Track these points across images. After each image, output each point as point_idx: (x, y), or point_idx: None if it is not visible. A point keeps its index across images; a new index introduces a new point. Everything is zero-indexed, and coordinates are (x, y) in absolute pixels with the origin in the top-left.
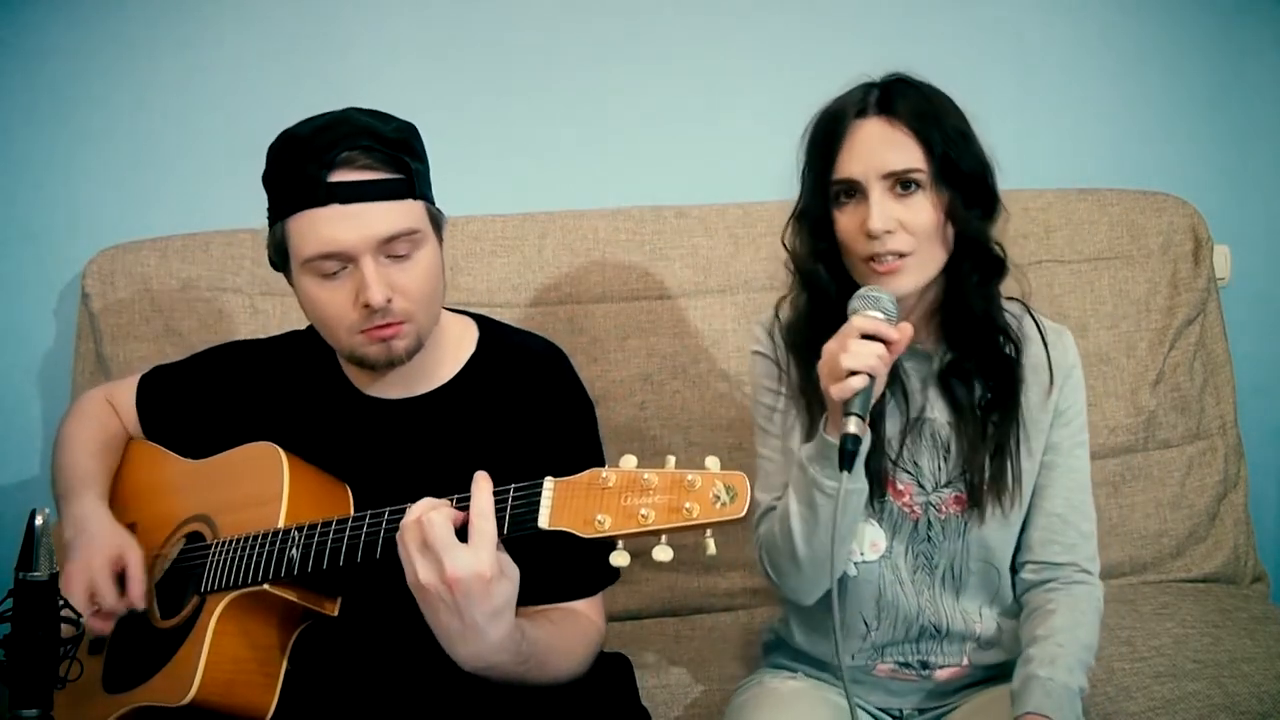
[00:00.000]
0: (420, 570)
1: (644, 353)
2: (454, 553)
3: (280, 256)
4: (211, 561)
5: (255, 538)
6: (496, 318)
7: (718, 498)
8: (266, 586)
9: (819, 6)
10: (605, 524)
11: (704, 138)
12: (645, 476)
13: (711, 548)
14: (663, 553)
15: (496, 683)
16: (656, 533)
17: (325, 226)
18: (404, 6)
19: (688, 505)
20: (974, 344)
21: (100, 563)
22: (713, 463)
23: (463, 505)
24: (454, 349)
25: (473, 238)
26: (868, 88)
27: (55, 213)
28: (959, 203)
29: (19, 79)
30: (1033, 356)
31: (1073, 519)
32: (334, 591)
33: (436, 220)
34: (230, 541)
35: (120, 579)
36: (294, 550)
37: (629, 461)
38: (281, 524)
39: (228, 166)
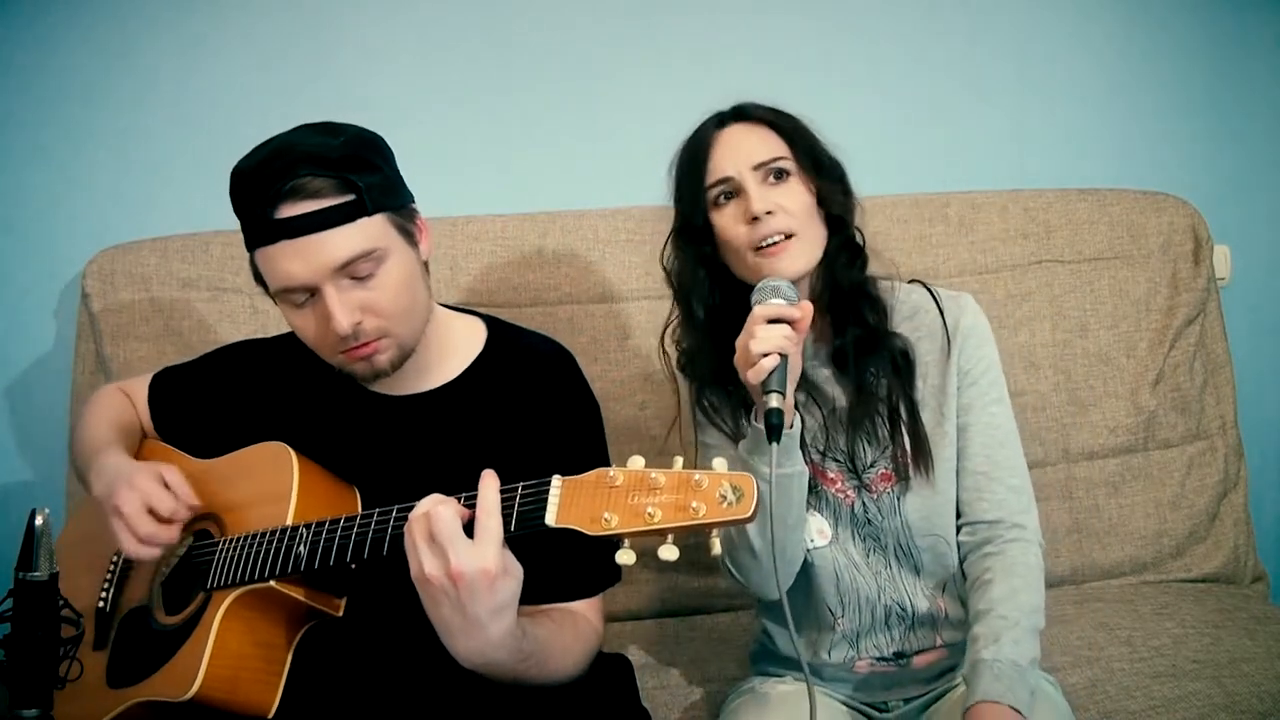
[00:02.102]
0: (426, 563)
1: (644, 353)
2: (460, 547)
3: (262, 283)
4: (218, 558)
5: (263, 535)
6: (506, 320)
7: (724, 498)
8: (273, 583)
9: (819, 6)
10: (612, 522)
11: None
12: (653, 476)
13: (716, 547)
14: (669, 552)
15: (497, 684)
16: (663, 532)
17: (280, 262)
18: (403, 7)
19: (694, 505)
20: (859, 322)
21: (144, 479)
22: (720, 464)
23: (470, 503)
24: (461, 347)
25: (473, 238)
26: (718, 112)
27: (55, 213)
28: (825, 188)
29: (19, 79)
30: (927, 325)
31: (997, 474)
32: (340, 591)
33: (404, 228)
34: (238, 538)
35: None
36: (301, 547)
37: (637, 461)
38: (290, 521)
39: (228, 167)
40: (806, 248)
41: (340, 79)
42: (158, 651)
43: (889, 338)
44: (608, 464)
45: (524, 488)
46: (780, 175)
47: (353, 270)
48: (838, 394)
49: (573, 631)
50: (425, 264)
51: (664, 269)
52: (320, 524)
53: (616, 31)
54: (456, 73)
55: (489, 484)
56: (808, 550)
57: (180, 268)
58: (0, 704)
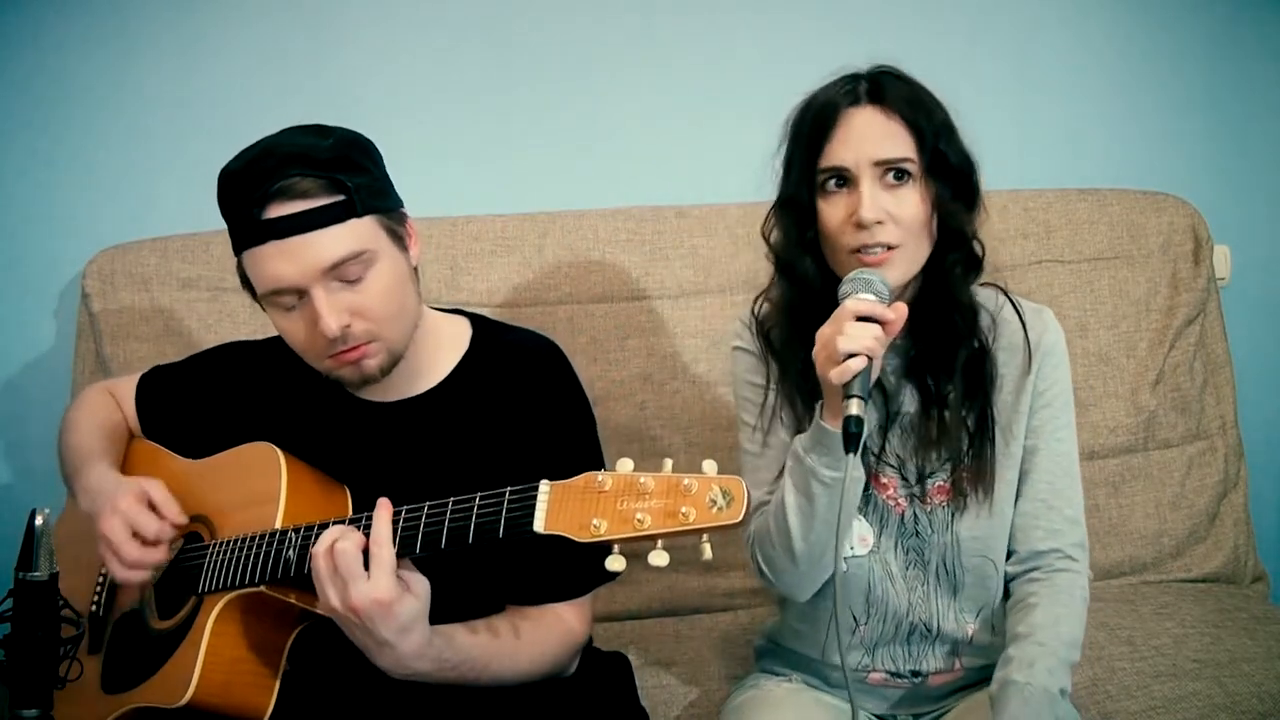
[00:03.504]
0: (331, 596)
1: (644, 353)
2: (356, 583)
3: (249, 287)
4: (209, 562)
5: (252, 539)
6: (496, 318)
7: (714, 502)
8: (264, 588)
9: (819, 6)
10: (601, 528)
11: (704, 138)
12: (641, 480)
13: (708, 553)
14: (659, 558)
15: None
16: (652, 538)
17: (268, 264)
18: (403, 7)
19: (684, 510)
20: (951, 336)
21: (128, 502)
22: (710, 466)
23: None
24: (447, 349)
25: (473, 238)
26: (855, 78)
27: (55, 213)
28: (947, 196)
29: (19, 79)
30: (1009, 338)
31: (1056, 503)
32: None
33: (394, 230)
34: (227, 542)
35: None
36: (290, 552)
37: (625, 465)
38: (279, 525)
39: None
40: (908, 261)
41: (340, 79)
42: (151, 657)
43: (978, 352)
44: (600, 459)
45: (511, 493)
46: (901, 176)
47: (342, 272)
48: (905, 397)
49: (538, 635)
50: (415, 269)
51: (764, 237)
52: (309, 528)
53: (616, 31)
54: (456, 73)
55: (381, 515)
56: (847, 557)
57: (180, 268)
58: (0, 704)
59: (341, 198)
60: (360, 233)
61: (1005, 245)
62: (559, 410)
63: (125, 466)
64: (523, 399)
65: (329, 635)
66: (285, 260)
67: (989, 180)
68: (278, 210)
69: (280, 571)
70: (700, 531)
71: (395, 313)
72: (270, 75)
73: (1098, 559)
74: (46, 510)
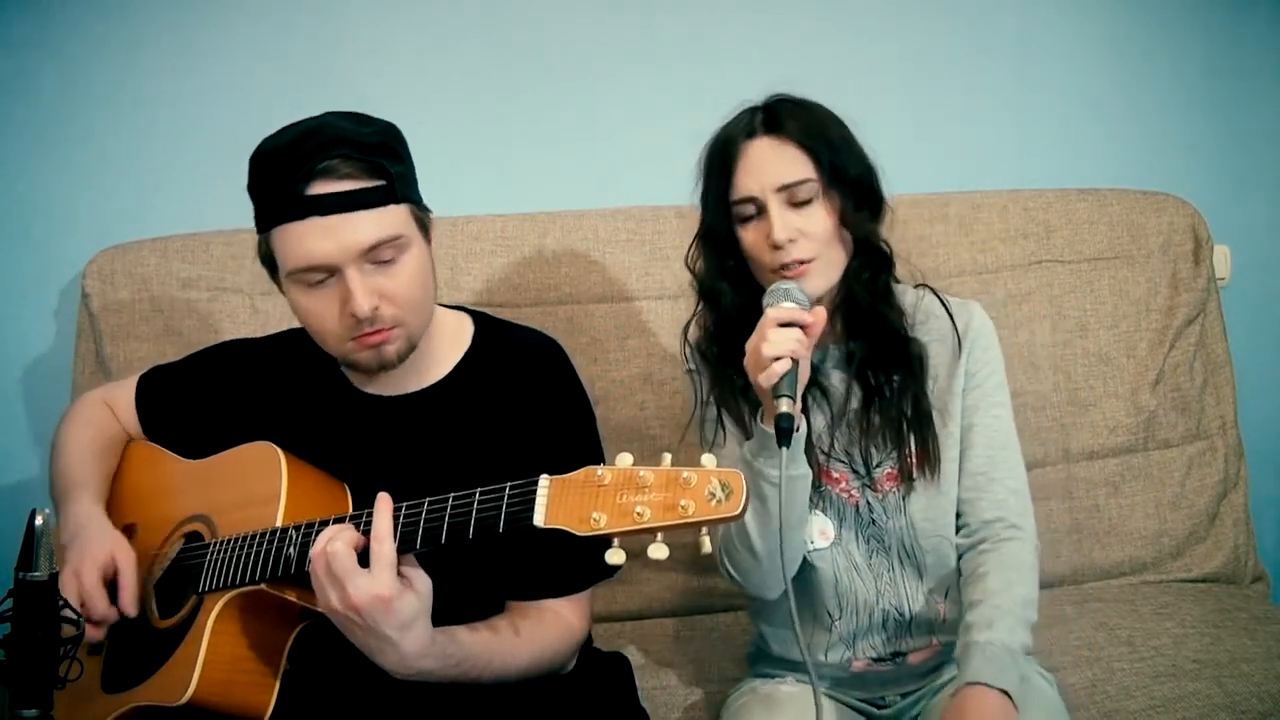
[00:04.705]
0: (330, 596)
1: (644, 353)
2: (355, 580)
3: (269, 265)
4: (209, 561)
5: (253, 537)
6: (497, 316)
7: (713, 495)
8: (264, 586)
9: (819, 7)
10: (601, 522)
11: (704, 138)
12: (641, 474)
13: (707, 546)
14: (658, 550)
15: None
16: (652, 530)
17: (306, 240)
18: (403, 6)
19: (683, 503)
20: (881, 331)
21: (89, 569)
22: (708, 460)
23: (369, 529)
24: (449, 345)
25: (473, 238)
26: (752, 110)
27: (55, 213)
28: (850, 206)
29: (19, 79)
30: (938, 329)
31: (996, 475)
32: None
33: (422, 221)
34: (228, 541)
35: (113, 586)
36: (291, 549)
37: (625, 459)
38: (279, 523)
39: (228, 166)
40: (825, 270)
41: (340, 79)
42: (151, 656)
43: (906, 343)
44: (600, 455)
45: (511, 487)
46: (804, 200)
47: (377, 255)
48: (848, 395)
49: (537, 632)
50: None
51: (689, 268)
52: (310, 526)
53: (616, 31)
54: (456, 73)
55: (381, 510)
56: (808, 552)
57: (180, 268)
58: (0, 704)
59: (382, 183)
60: (397, 218)
61: (1005, 245)
62: (560, 407)
63: (123, 468)
64: (524, 396)
65: (329, 634)
66: (325, 237)
67: (989, 180)
68: (321, 188)
69: (281, 570)
70: (700, 524)
71: (419, 300)
72: (270, 76)
73: (1098, 559)
74: (46, 510)
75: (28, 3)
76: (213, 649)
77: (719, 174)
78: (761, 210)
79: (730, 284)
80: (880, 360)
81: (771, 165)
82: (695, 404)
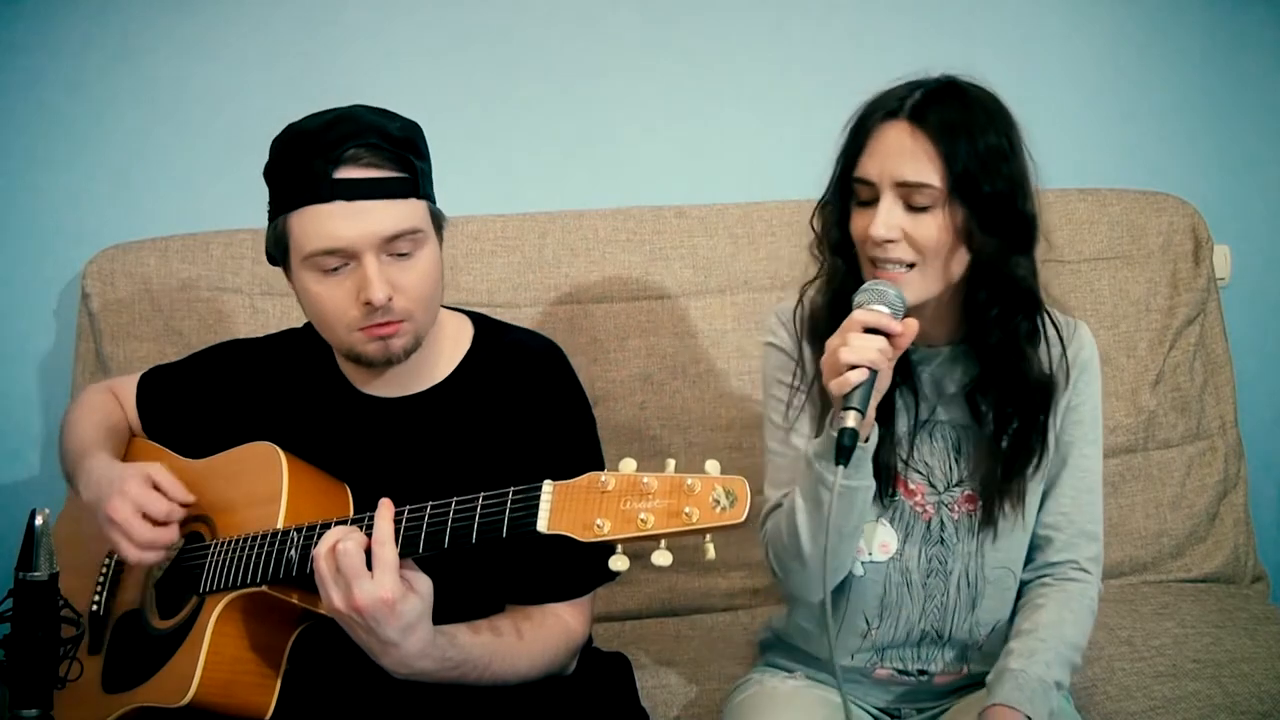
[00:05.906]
0: (334, 596)
1: (644, 353)
2: (360, 582)
3: (280, 251)
4: (210, 562)
5: (253, 538)
6: (496, 317)
7: (717, 502)
8: (265, 588)
9: (818, 7)
10: (604, 528)
11: (704, 138)
12: (645, 480)
13: (711, 552)
14: (662, 557)
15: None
16: (655, 537)
17: (329, 223)
18: (404, 6)
19: (687, 510)
20: (994, 364)
21: (134, 485)
22: (713, 466)
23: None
24: (450, 347)
25: (473, 238)
26: (913, 86)
27: (55, 213)
28: (975, 225)
29: (19, 79)
30: (1042, 351)
31: (1078, 518)
32: None
33: (438, 220)
34: (229, 542)
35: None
36: (292, 551)
37: (628, 465)
38: (280, 524)
39: (228, 166)
40: (924, 283)
41: (340, 79)
42: (152, 656)
43: (1042, 387)
44: (600, 460)
45: (515, 493)
46: (922, 206)
47: (395, 246)
48: (944, 408)
49: (538, 635)
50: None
51: (812, 227)
52: (311, 528)
53: (616, 31)
54: (456, 73)
55: (383, 513)
56: (863, 562)
57: (180, 268)
58: (0, 704)
59: (407, 175)
60: (417, 212)
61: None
62: (559, 411)
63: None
64: (523, 399)
65: (330, 635)
66: (349, 222)
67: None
68: (350, 172)
69: (282, 571)
70: (703, 531)
71: (430, 297)
72: (270, 76)
73: None
74: (46, 510)
75: (28, 3)
76: (214, 650)
77: (849, 146)
78: (876, 197)
79: (843, 259)
80: (997, 388)
81: (898, 156)
82: (770, 381)
